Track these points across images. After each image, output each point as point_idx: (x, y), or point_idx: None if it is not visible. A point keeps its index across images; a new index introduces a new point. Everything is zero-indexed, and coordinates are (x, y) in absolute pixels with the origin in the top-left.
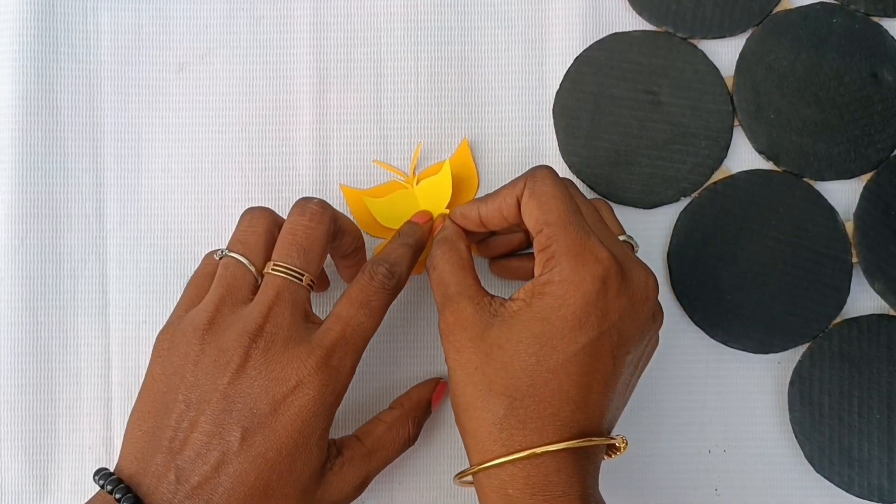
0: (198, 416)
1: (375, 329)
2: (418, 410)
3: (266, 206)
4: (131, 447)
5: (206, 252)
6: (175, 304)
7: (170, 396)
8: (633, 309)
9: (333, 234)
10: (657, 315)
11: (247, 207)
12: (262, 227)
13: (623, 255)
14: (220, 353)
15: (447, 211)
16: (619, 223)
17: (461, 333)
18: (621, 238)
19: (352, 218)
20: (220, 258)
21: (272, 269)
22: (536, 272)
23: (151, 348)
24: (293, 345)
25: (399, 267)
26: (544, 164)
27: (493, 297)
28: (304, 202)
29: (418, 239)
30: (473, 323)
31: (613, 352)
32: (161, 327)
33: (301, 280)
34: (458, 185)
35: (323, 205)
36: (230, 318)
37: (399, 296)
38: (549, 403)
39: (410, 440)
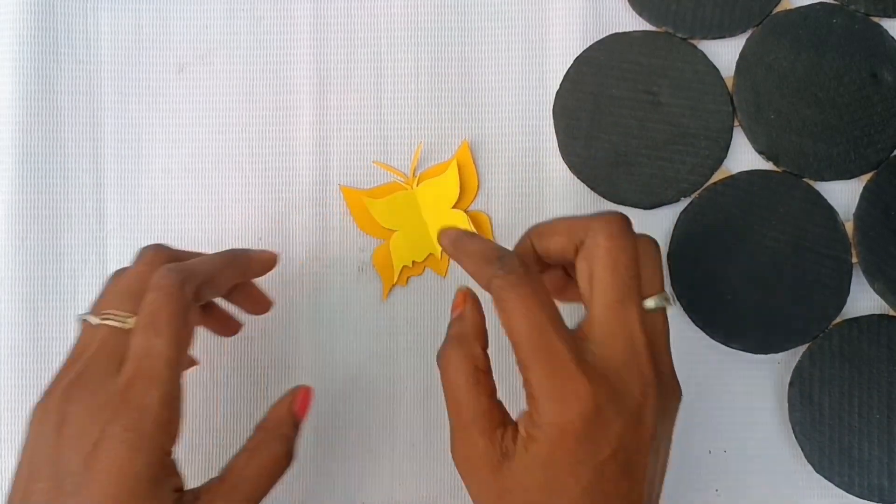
0: (34, 488)
1: (179, 350)
2: (282, 426)
3: (254, 209)
4: None
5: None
6: None
7: (18, 485)
8: (634, 420)
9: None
10: (674, 393)
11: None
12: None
13: (620, 361)
14: (45, 417)
15: (458, 213)
16: (662, 277)
17: (476, 473)
18: (650, 304)
19: (351, 219)
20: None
21: (101, 320)
22: (526, 398)
23: None
24: (100, 393)
25: (194, 275)
26: (508, 255)
27: (505, 427)
28: (142, 249)
29: (236, 255)
30: (486, 462)
31: (625, 467)
32: None
33: (127, 323)
34: (459, 186)
35: (157, 249)
36: (62, 379)
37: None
38: None
39: (282, 460)
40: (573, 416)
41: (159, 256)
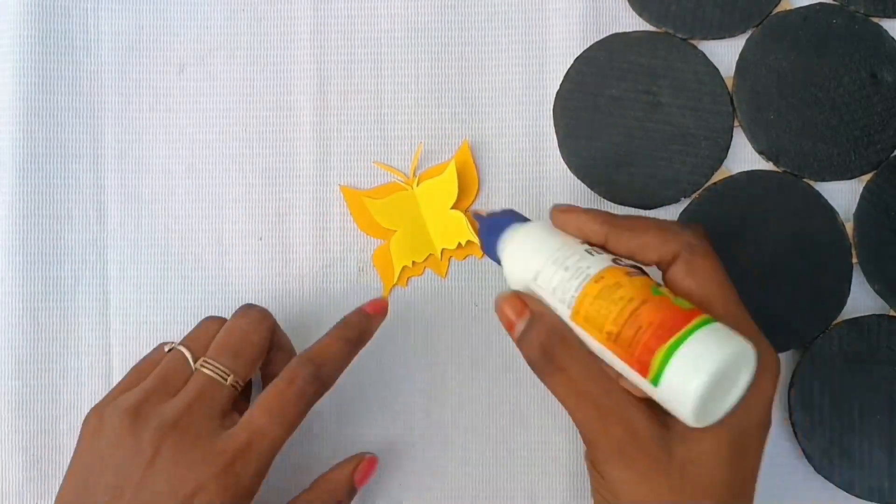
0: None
1: (289, 436)
2: (337, 491)
3: (255, 209)
4: None
5: (161, 341)
6: (173, 308)
7: (92, 480)
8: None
9: (268, 343)
10: None
11: (206, 316)
12: (216, 329)
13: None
14: (136, 442)
15: (457, 213)
16: None
17: (644, 457)
18: None
19: (351, 219)
20: (169, 350)
21: (200, 365)
22: None
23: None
24: (201, 445)
25: (327, 368)
26: (699, 224)
27: (649, 400)
28: (248, 307)
29: (363, 332)
30: (654, 440)
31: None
32: (160, 330)
33: (226, 380)
34: (459, 186)
35: (264, 313)
36: (156, 408)
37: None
38: (739, 501)
39: None
40: (765, 373)
41: (265, 322)
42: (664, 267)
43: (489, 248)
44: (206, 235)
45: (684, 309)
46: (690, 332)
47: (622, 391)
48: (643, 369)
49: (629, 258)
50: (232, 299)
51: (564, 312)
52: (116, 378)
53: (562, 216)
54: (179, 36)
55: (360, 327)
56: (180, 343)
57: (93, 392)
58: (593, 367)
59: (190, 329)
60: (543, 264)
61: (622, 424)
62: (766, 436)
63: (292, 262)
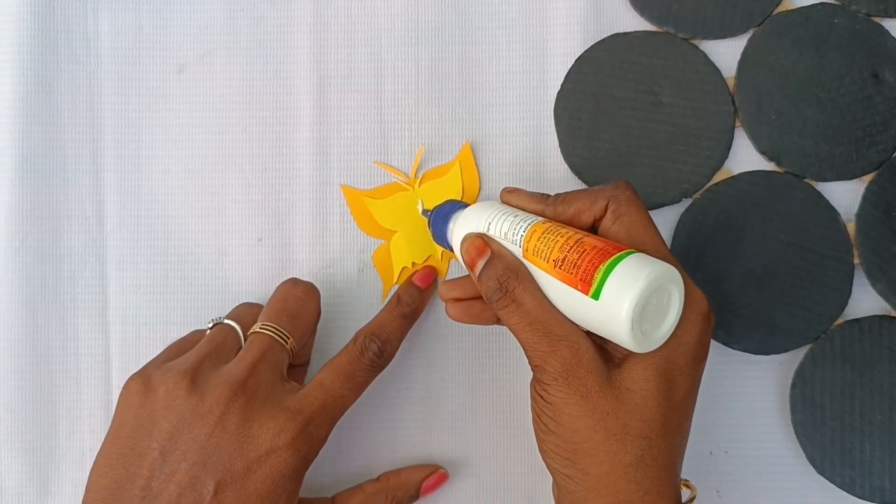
0: (175, 467)
1: (355, 401)
2: (402, 490)
3: (254, 209)
4: (97, 494)
5: (160, 342)
6: (172, 309)
7: (142, 443)
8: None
9: (319, 316)
10: None
11: (242, 302)
12: (256, 312)
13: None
14: (200, 402)
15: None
16: None
17: (588, 377)
18: None
19: (351, 219)
20: (214, 325)
21: (260, 328)
22: None
23: (151, 350)
24: (270, 405)
25: (391, 345)
26: (623, 181)
27: (590, 335)
28: (296, 280)
29: (416, 309)
30: (597, 364)
31: (697, 384)
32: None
33: (286, 343)
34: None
35: (313, 285)
36: (213, 371)
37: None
38: (676, 439)
39: None
40: (694, 313)
41: (317, 294)
42: (597, 224)
43: (439, 233)
44: (205, 236)
45: (619, 244)
46: (627, 254)
47: (569, 322)
48: (585, 287)
49: (568, 222)
50: (231, 300)
51: (517, 251)
52: (116, 378)
53: (507, 195)
54: (179, 36)
55: (414, 303)
56: (226, 317)
57: (92, 394)
58: (544, 299)
59: (189, 329)
60: (493, 215)
61: (570, 349)
62: (697, 372)
63: (292, 263)
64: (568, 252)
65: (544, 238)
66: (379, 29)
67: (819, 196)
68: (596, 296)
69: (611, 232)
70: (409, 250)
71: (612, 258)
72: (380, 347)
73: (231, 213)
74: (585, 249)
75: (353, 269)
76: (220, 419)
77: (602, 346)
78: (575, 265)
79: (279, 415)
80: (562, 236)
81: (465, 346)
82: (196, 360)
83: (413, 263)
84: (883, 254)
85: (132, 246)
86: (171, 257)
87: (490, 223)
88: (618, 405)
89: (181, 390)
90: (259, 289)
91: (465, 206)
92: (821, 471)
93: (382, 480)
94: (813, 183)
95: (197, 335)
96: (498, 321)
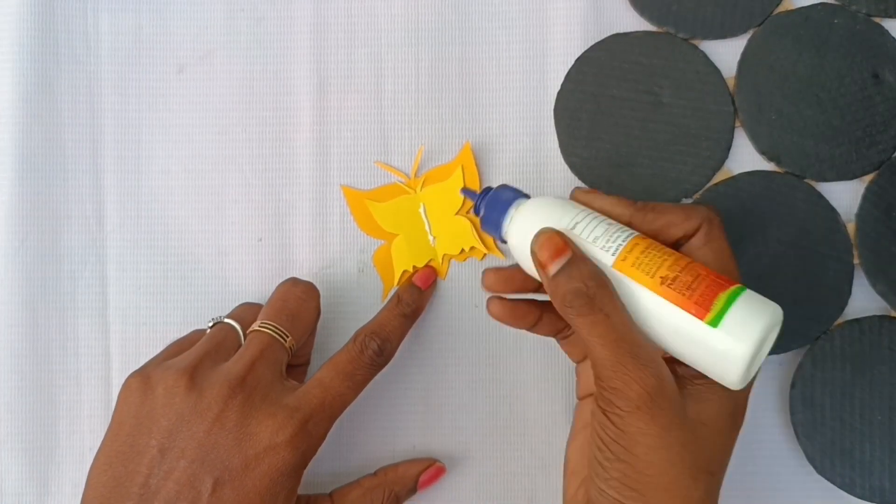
0: (174, 465)
1: (354, 399)
2: (399, 485)
3: (254, 210)
4: (97, 492)
5: (160, 342)
6: (172, 309)
7: (141, 440)
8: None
9: (319, 316)
10: None
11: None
12: (256, 312)
13: None
14: (198, 400)
15: (461, 219)
16: None
17: (669, 409)
18: None
19: (351, 219)
20: (214, 324)
21: (259, 327)
22: None
23: (151, 350)
24: (269, 402)
25: (391, 344)
26: (712, 206)
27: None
28: (296, 279)
29: (416, 309)
30: (677, 395)
31: None
32: (160, 330)
33: (285, 341)
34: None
35: (313, 285)
36: (212, 369)
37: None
38: (724, 475)
39: None
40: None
41: (317, 294)
42: (683, 241)
43: (492, 221)
44: (205, 236)
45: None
46: (742, 288)
47: (652, 346)
48: (701, 311)
49: (652, 237)
50: (231, 300)
51: (607, 260)
52: (116, 378)
53: (584, 195)
54: (179, 36)
55: (414, 303)
56: (226, 316)
57: (92, 394)
58: (630, 318)
59: (189, 329)
60: (582, 217)
61: (656, 376)
62: (745, 411)
63: (292, 263)
64: (680, 272)
65: (649, 253)
66: (379, 29)
67: (819, 196)
68: (714, 323)
69: (699, 253)
70: (409, 254)
71: (732, 288)
72: (379, 346)
73: (231, 214)
74: (700, 273)
75: (353, 269)
76: (218, 416)
77: (677, 374)
78: (689, 287)
79: (278, 412)
80: (670, 255)
81: (465, 345)
82: (195, 358)
83: (413, 267)
84: (883, 254)
85: (132, 246)
86: (172, 257)
87: (578, 223)
88: (693, 439)
89: (180, 388)
90: (259, 289)
91: (526, 196)
92: (821, 471)
93: (380, 475)
94: (813, 183)
95: (197, 334)
96: (546, 327)
